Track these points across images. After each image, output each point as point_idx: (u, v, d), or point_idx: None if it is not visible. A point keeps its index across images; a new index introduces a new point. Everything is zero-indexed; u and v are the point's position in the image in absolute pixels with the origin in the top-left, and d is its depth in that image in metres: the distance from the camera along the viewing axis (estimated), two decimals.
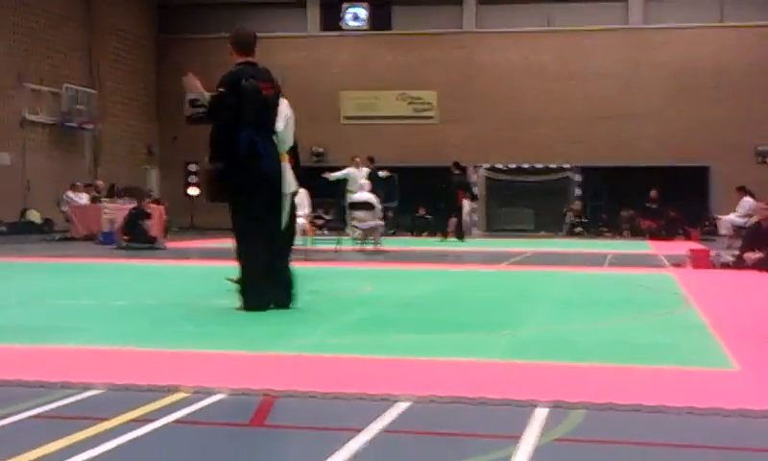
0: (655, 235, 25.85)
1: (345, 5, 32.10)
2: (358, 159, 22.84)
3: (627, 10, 30.64)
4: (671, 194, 27.04)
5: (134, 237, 18.55)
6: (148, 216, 19.40)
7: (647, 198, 27.05)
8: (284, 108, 8.19)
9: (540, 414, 4.04)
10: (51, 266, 13.79)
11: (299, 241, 15.29)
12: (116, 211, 21.33)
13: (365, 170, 22.37)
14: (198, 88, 8.05)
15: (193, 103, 10.68)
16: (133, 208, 19.59)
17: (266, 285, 7.75)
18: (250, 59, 8.03)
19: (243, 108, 7.65)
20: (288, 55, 30.95)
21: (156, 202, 23.42)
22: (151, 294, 9.45)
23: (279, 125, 8.03)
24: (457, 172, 24.33)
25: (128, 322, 7.31)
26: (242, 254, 7.78)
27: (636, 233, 26.94)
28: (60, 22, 27.51)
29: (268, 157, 7.71)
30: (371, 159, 23.32)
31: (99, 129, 28.51)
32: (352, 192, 20.89)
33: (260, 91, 7.75)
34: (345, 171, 22.49)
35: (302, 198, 15.56)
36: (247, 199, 7.70)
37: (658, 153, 29.56)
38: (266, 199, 7.75)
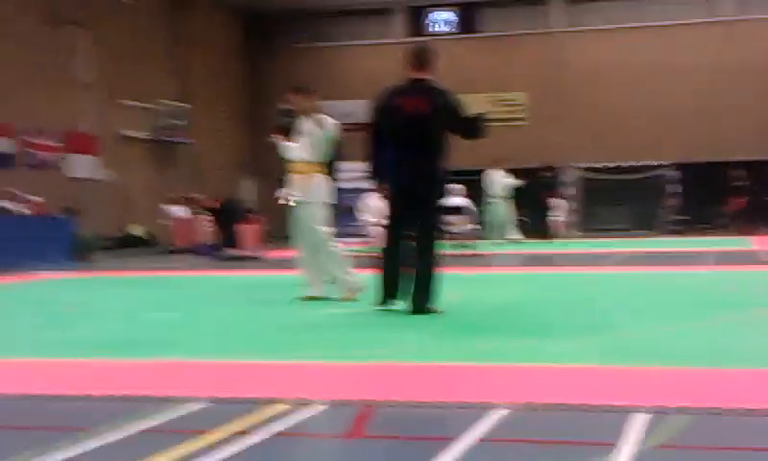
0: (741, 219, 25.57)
1: (428, 9, 32.13)
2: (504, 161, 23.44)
3: (716, 2, 29.97)
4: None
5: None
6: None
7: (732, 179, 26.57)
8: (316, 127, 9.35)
9: (640, 420, 4.00)
10: (155, 279, 14.11)
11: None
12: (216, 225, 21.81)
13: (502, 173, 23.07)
14: None
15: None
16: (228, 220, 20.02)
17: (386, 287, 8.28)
18: (414, 75, 8.32)
19: (386, 124, 8.23)
20: (373, 63, 31.09)
21: (250, 212, 23.63)
22: (247, 304, 9.59)
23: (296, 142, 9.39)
24: (547, 174, 24.48)
25: (227, 334, 7.46)
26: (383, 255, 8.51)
27: (738, 230, 26.30)
28: (151, 38, 28.10)
29: (408, 170, 8.15)
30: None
31: (193, 142, 29.05)
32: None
33: (401, 110, 8.11)
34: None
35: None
36: (391, 208, 8.39)
37: (755, 146, 28.81)
38: (402, 209, 8.24)
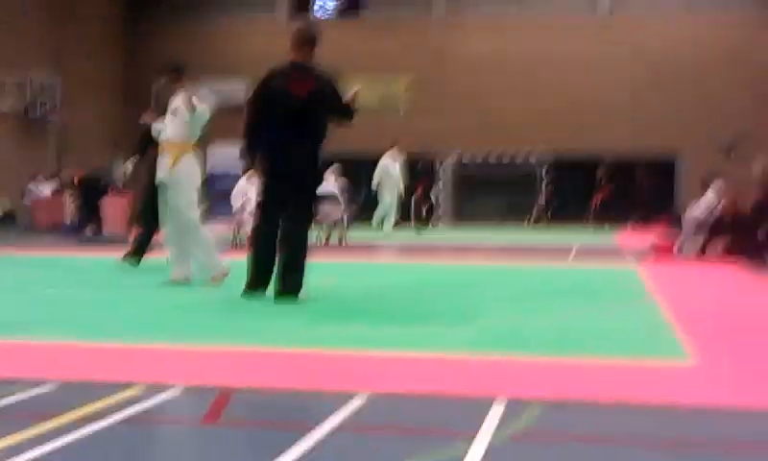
0: (603, 213, 26.42)
1: None
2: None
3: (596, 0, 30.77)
4: (636, 186, 27.39)
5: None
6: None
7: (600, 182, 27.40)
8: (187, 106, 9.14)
9: (497, 410, 4.03)
10: (13, 259, 13.65)
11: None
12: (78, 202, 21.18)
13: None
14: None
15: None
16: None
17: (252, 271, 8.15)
18: (299, 56, 8.22)
19: (268, 106, 8.07)
20: (257, 42, 30.76)
21: (112, 188, 22.66)
22: (109, 286, 9.36)
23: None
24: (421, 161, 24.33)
25: (83, 316, 7.25)
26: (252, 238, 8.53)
27: (602, 225, 27.08)
28: (23, 8, 27.16)
29: (282, 154, 8.06)
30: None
31: (63, 118, 28.19)
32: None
33: (289, 93, 8.00)
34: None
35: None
36: (265, 192, 8.28)
37: (626, 144, 29.69)
38: (277, 194, 8.12)
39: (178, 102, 9.30)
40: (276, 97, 8.05)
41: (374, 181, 22.54)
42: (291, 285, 7.94)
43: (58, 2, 28.72)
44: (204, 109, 9.34)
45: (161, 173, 9.33)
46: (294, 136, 8.06)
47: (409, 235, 21.71)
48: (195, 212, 9.29)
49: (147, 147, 11.52)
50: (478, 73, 30.66)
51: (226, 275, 9.20)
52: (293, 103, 8.01)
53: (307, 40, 8.22)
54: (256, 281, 8.10)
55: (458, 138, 30.50)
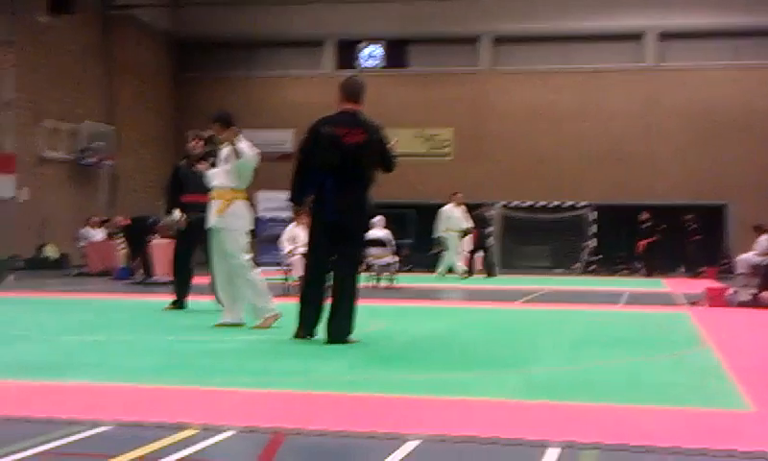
0: (649, 259, 26.18)
1: (361, 44, 32.28)
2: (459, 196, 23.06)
3: (643, 49, 30.64)
4: (686, 233, 27.15)
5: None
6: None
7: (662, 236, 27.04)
8: (234, 154, 9.34)
9: (552, 454, 3.99)
10: (66, 302, 13.81)
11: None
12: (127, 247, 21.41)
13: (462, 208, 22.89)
14: None
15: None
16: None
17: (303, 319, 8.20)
18: (348, 107, 8.28)
19: (317, 154, 8.11)
20: (304, 93, 31.10)
21: (158, 225, 22.72)
22: (162, 329, 9.43)
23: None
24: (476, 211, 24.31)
25: (138, 358, 7.30)
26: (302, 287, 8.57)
27: (651, 272, 26.77)
28: (79, 59, 27.74)
29: (333, 201, 8.09)
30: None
31: (116, 165, 28.63)
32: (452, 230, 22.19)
33: (340, 139, 8.05)
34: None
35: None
36: (314, 238, 8.31)
37: (674, 192, 29.47)
38: (326, 240, 8.16)
39: (226, 151, 9.44)
40: (326, 143, 8.10)
41: (440, 228, 22.65)
42: (340, 331, 7.96)
43: (113, 55, 29.30)
44: (252, 155, 9.45)
45: (212, 218, 9.44)
46: (344, 183, 8.11)
47: (464, 281, 21.65)
48: (245, 256, 9.37)
49: (177, 194, 11.85)
50: (524, 123, 30.70)
51: (277, 318, 9.25)
52: (343, 149, 8.07)
53: (355, 90, 8.30)
54: (306, 327, 8.13)
55: (504, 187, 30.46)
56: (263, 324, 9.23)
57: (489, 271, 23.71)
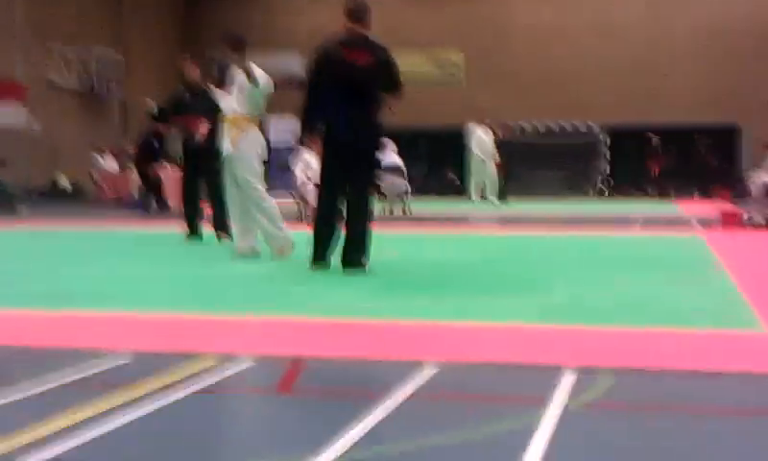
0: (661, 183, 26.07)
1: None
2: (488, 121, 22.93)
3: None
4: (699, 155, 26.94)
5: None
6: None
7: (676, 156, 26.90)
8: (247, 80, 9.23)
9: (569, 378, 4.01)
10: (81, 233, 13.87)
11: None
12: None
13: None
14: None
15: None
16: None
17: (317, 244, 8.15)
18: (355, 28, 8.16)
19: (327, 76, 8.02)
20: (315, 14, 30.80)
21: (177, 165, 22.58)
22: (176, 260, 9.47)
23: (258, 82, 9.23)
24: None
25: (154, 288, 7.35)
26: (317, 214, 8.37)
27: (664, 195, 26.71)
28: None
29: (347, 125, 8.01)
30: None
31: (125, 92, 28.53)
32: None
33: (345, 61, 7.96)
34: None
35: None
36: (326, 163, 8.27)
37: (687, 113, 29.23)
38: (339, 164, 8.09)
39: (240, 76, 9.34)
40: (335, 67, 8.01)
41: (475, 151, 22.49)
42: (357, 257, 7.97)
43: None
44: (268, 82, 9.38)
45: (226, 146, 9.40)
46: (355, 106, 8.03)
47: (471, 207, 21.64)
48: (260, 184, 9.35)
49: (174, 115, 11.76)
50: (537, 44, 30.42)
51: (292, 246, 9.26)
52: (353, 72, 7.98)
53: (361, 12, 8.19)
54: (322, 254, 8.14)
55: (517, 109, 30.27)
56: (278, 251, 9.24)
57: (503, 197, 23.60)
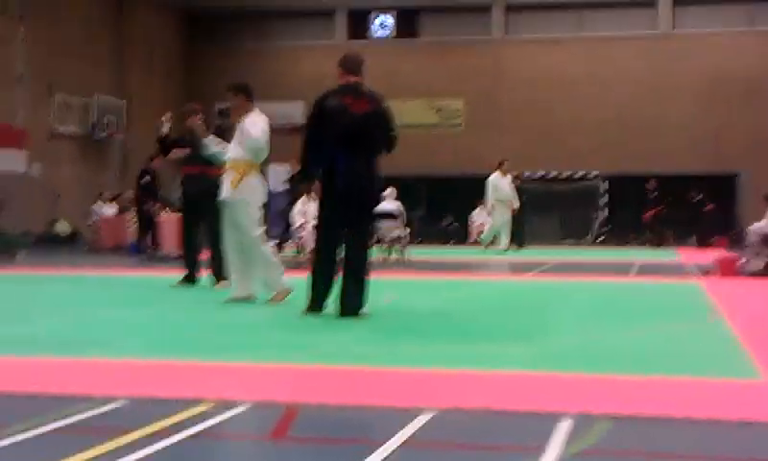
0: (658, 230, 26.05)
1: (372, 13, 32.19)
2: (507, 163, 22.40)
3: (656, 16, 30.46)
4: (697, 202, 27.02)
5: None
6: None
7: (675, 205, 26.94)
8: (259, 120, 9.27)
9: (565, 425, 4.00)
10: (77, 278, 13.87)
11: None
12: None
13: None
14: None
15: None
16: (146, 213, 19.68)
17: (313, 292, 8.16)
18: (351, 79, 8.25)
19: (324, 126, 8.04)
20: (316, 64, 31.02)
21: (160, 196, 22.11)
22: (173, 304, 9.46)
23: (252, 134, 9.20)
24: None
25: (150, 334, 7.34)
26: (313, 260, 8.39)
27: (661, 242, 26.72)
28: (90, 34, 27.71)
29: (343, 175, 8.02)
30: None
31: (127, 139, 28.64)
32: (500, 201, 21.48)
33: (347, 109, 8.02)
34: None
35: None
36: (325, 211, 8.25)
37: (685, 161, 29.33)
38: (337, 213, 8.11)
39: (242, 123, 9.38)
40: (333, 115, 8.04)
41: (488, 200, 21.94)
42: (353, 305, 7.96)
43: (121, 27, 29.25)
44: (257, 137, 9.30)
45: (225, 192, 9.42)
46: (354, 153, 8.06)
47: (478, 253, 21.65)
48: (257, 231, 9.36)
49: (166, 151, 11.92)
50: (536, 92, 30.57)
51: (288, 293, 9.25)
52: (351, 121, 8.02)
53: (356, 64, 8.29)
54: (317, 301, 8.13)
55: (516, 157, 30.38)
56: (275, 298, 9.24)
57: (520, 243, 23.24)
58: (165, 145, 11.86)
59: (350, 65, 8.28)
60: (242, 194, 9.30)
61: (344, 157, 8.04)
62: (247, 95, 9.47)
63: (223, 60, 31.82)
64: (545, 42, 30.97)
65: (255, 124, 9.33)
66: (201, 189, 11.10)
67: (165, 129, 11.64)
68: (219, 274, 10.82)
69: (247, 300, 9.33)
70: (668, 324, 7.87)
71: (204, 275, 11.38)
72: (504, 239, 21.78)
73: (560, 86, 30.42)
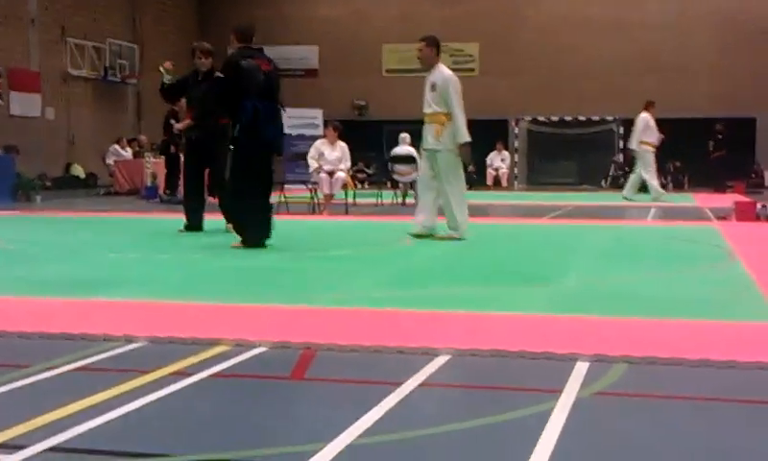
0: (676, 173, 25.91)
1: None
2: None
3: None
4: (714, 146, 26.80)
5: (173, 190, 18.66)
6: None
7: (691, 149, 26.75)
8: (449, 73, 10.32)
9: (581, 367, 4.02)
10: (95, 220, 13.93)
11: (341, 195, 15.47)
12: (158, 166, 21.26)
13: None
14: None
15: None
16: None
17: (263, 227, 9.10)
18: (248, 45, 9.28)
19: (244, 82, 8.90)
20: (330, 8, 30.84)
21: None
22: (189, 247, 9.51)
23: None
24: None
25: (169, 275, 7.39)
26: (245, 203, 9.06)
27: (679, 186, 26.62)
28: None
29: (270, 124, 9.03)
30: None
31: (141, 83, 28.60)
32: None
33: (259, 68, 9.01)
34: None
35: (344, 153, 15.61)
36: (249, 159, 9.02)
37: (702, 105, 29.07)
38: (264, 159, 9.13)
39: (437, 76, 10.15)
40: (251, 72, 8.94)
41: (633, 140, 19.95)
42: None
43: None
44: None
45: (429, 141, 10.22)
46: (272, 107, 9.07)
47: (483, 196, 21.62)
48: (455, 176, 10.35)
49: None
50: (552, 36, 30.24)
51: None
52: (266, 76, 9.02)
53: (250, 33, 9.32)
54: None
55: (531, 101, 30.22)
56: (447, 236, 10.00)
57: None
58: (168, 92, 11.71)
59: (246, 34, 9.29)
60: (443, 143, 10.07)
61: (266, 110, 8.96)
62: (435, 46, 10.43)
63: (236, 3, 31.60)
64: None
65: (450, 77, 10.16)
66: (205, 134, 10.93)
67: (166, 79, 11.52)
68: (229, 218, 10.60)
69: (429, 235, 10.17)
70: (685, 267, 7.87)
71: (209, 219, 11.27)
72: (655, 182, 20.09)
73: (576, 30, 30.10)
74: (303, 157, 16.82)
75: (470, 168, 25.02)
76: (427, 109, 10.29)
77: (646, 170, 19.81)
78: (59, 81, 25.66)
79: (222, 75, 9.22)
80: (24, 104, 23.96)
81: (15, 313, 5.37)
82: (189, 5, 32.40)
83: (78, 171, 25.80)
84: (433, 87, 10.19)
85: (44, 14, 24.89)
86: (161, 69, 11.62)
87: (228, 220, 10.67)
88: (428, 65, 10.36)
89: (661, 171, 27.06)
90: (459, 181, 10.38)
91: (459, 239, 10.02)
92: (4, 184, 19.60)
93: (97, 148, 25.77)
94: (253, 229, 9.04)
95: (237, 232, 9.26)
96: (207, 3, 32.59)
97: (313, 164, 15.72)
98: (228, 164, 9.21)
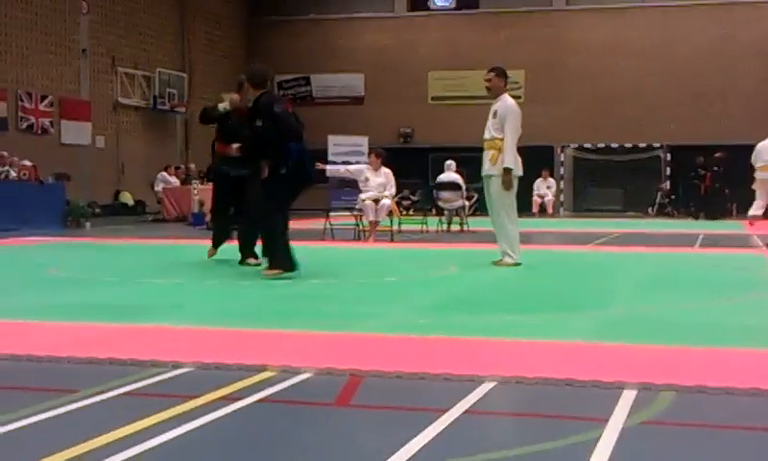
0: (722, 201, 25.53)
1: None
2: None
3: None
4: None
5: None
6: None
7: (736, 175, 26.44)
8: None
9: (628, 396, 3.98)
10: (143, 247, 14.08)
11: (386, 222, 15.50)
12: (205, 192, 21.42)
13: None
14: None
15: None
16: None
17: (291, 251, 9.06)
18: (264, 91, 9.18)
19: (284, 127, 8.87)
20: (376, 36, 31.01)
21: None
22: (238, 275, 9.57)
23: None
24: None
25: (216, 301, 7.44)
26: (277, 232, 9.01)
27: (727, 214, 26.29)
28: (152, 6, 27.97)
29: (309, 162, 9.28)
30: None
31: (190, 112, 28.94)
32: None
33: (289, 112, 9.08)
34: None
35: (389, 179, 15.65)
36: (288, 190, 9.11)
37: (748, 131, 28.73)
38: (299, 192, 9.25)
39: (500, 104, 10.55)
40: (287, 118, 8.96)
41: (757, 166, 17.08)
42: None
43: (185, 1, 29.44)
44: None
45: (486, 167, 10.66)
46: (303, 147, 9.12)
47: (535, 224, 21.54)
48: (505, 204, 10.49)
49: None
50: (597, 63, 30.20)
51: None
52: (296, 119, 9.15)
53: (267, 76, 9.40)
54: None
55: (577, 128, 30.12)
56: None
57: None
58: (210, 119, 11.51)
59: (263, 80, 9.21)
60: (497, 169, 10.27)
61: (303, 151, 9.02)
62: (503, 76, 10.68)
63: (283, 31, 31.93)
64: (606, 12, 30.53)
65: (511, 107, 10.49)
66: (241, 170, 10.76)
67: (221, 108, 11.26)
68: (249, 250, 10.51)
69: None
70: (734, 295, 7.77)
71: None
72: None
73: (621, 57, 30.00)
74: (349, 184, 16.89)
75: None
76: (486, 135, 10.50)
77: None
78: (109, 109, 26.06)
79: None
80: (75, 132, 24.35)
81: (64, 339, 5.43)
82: (237, 34, 32.75)
83: (126, 198, 26.12)
84: (495, 115, 10.43)
85: (95, 44, 25.31)
86: (224, 97, 11.38)
87: (245, 248, 10.49)
88: (495, 95, 10.58)
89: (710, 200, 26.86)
90: (511, 208, 10.42)
91: (514, 265, 10.02)
92: (55, 211, 19.91)
93: (145, 175, 26.10)
94: (286, 253, 8.99)
95: (269, 256, 9.16)
96: (255, 32, 32.93)
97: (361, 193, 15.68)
98: (265, 193, 9.10)
